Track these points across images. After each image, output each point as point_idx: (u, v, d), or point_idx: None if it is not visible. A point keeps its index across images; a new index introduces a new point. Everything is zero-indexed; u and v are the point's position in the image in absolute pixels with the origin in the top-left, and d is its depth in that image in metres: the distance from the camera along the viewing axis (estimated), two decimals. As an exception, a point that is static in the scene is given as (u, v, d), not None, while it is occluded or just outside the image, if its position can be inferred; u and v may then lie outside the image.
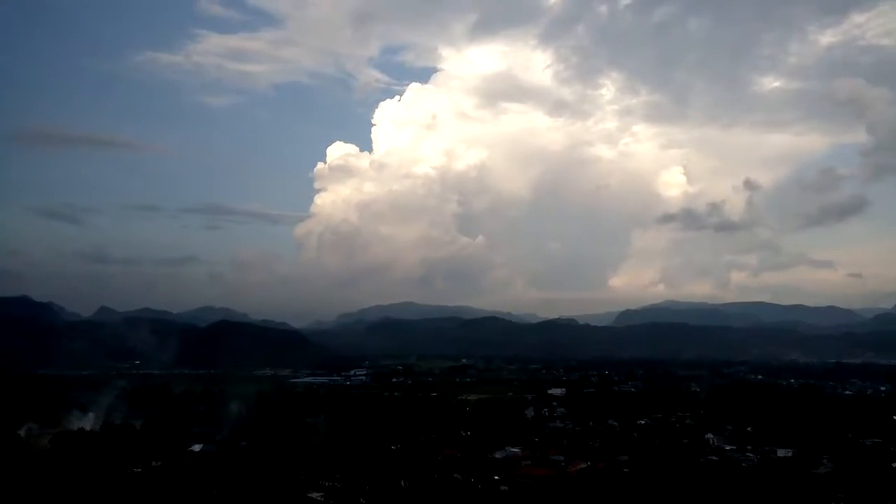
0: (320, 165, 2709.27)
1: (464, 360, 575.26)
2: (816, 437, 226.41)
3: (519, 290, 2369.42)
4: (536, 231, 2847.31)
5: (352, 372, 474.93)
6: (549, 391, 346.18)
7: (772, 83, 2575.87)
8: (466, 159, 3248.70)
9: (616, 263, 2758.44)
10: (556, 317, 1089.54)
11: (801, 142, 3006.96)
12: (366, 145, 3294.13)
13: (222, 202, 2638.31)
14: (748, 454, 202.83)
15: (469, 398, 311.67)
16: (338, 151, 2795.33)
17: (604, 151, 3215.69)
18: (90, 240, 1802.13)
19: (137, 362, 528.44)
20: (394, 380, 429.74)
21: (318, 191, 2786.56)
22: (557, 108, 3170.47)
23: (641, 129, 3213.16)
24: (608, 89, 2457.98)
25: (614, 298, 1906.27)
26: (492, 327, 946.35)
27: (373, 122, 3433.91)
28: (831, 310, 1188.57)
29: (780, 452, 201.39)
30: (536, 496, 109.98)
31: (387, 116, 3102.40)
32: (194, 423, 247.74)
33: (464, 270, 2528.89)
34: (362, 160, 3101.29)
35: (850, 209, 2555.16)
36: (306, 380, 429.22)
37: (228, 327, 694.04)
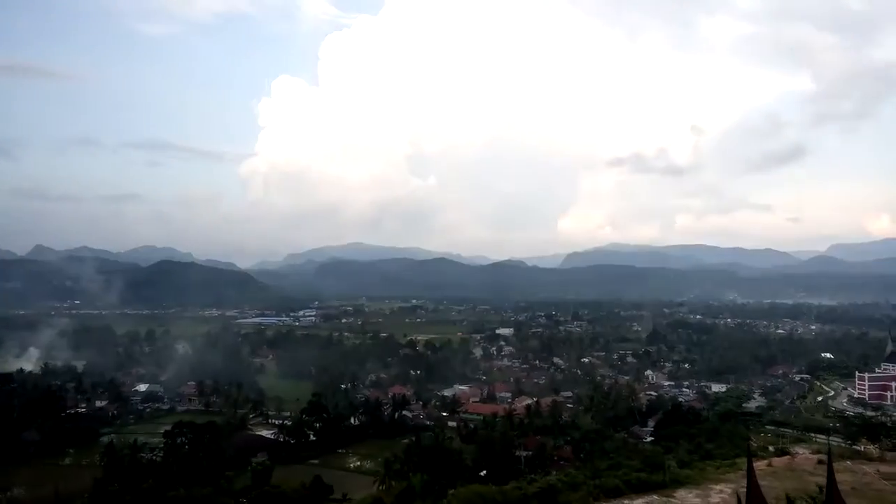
0: (265, 101, 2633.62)
1: (414, 301, 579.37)
2: (749, 373, 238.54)
3: (470, 231, 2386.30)
4: (488, 173, 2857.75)
5: (301, 312, 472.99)
6: (498, 331, 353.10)
7: (721, 25, 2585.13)
8: (419, 99, 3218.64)
9: (565, 206, 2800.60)
10: (506, 258, 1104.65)
11: (746, 86, 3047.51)
12: (313, 80, 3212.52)
13: (164, 137, 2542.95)
14: (685, 390, 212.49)
15: (419, 338, 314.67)
16: (283, 86, 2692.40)
17: (554, 92, 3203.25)
18: (24, 175, 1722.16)
19: (77, 302, 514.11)
20: (343, 320, 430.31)
21: (263, 127, 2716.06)
22: (511, 47, 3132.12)
23: (593, 69, 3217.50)
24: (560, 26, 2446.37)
25: (563, 240, 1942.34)
26: (442, 269, 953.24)
27: (320, 56, 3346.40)
28: (769, 252, 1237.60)
29: (715, 388, 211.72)
30: (481, 432, 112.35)
31: (335, 50, 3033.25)
32: (139, 364, 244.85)
33: (415, 212, 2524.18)
34: (309, 96, 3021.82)
35: (790, 155, 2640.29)
36: (254, 320, 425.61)
37: (172, 267, 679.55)
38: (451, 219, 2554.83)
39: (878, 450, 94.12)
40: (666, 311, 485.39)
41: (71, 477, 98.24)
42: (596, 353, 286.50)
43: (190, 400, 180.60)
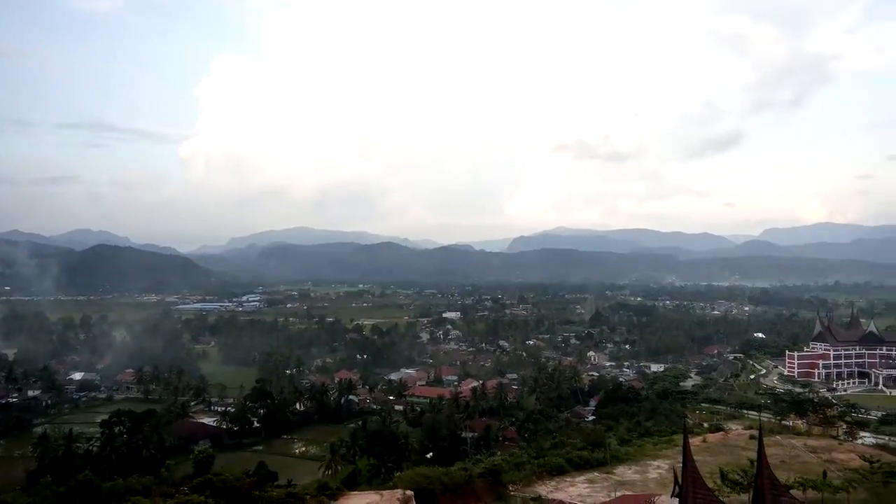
0: (206, 80, 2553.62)
1: (361, 286, 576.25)
2: (686, 352, 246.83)
3: (417, 215, 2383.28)
4: (436, 158, 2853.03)
5: (244, 298, 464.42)
6: (445, 315, 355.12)
7: (664, 14, 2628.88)
8: (367, 81, 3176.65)
9: (512, 191, 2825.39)
10: (453, 243, 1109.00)
11: (688, 75, 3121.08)
12: (256, 59, 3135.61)
13: (102, 118, 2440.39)
14: (626, 370, 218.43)
15: (366, 323, 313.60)
16: (225, 65, 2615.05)
17: (502, 78, 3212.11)
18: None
19: (7, 288, 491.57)
20: (289, 305, 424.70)
21: (205, 108, 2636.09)
22: (457, 32, 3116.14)
23: (541, 55, 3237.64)
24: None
25: (509, 225, 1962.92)
26: (389, 253, 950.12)
27: (263, 34, 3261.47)
28: (706, 236, 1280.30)
29: (654, 367, 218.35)
30: (428, 414, 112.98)
31: (280, 29, 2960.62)
32: (74, 352, 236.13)
33: (362, 195, 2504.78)
34: (253, 76, 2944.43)
35: (728, 142, 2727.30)
36: (195, 306, 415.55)
37: (108, 251, 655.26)
38: (398, 202, 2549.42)
39: (805, 424, 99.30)
40: (608, 293, 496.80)
41: (2, 469, 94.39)
42: (541, 336, 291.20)
43: (128, 388, 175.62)
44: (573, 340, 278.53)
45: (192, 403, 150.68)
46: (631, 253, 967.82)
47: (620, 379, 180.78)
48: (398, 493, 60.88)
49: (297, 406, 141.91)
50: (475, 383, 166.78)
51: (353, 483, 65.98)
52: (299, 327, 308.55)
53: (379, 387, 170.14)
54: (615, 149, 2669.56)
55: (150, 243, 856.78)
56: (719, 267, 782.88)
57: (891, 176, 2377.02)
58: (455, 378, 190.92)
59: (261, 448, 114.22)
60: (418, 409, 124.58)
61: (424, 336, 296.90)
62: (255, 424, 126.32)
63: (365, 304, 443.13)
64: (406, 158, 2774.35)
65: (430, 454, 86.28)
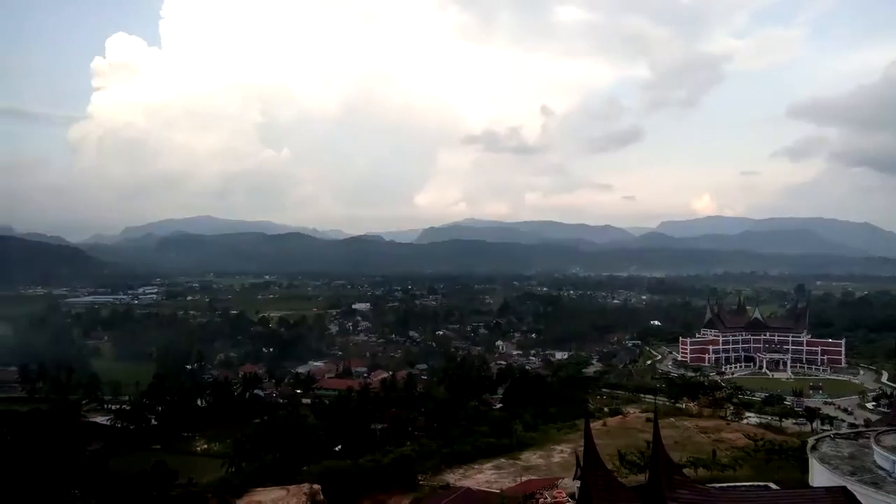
0: (99, 60, 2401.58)
1: (266, 277, 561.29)
2: (589, 340, 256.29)
3: (325, 205, 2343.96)
4: (345, 147, 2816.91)
5: (140, 290, 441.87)
6: (354, 306, 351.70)
7: (569, 13, 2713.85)
8: (271, 65, 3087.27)
9: (422, 182, 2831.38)
10: (363, 233, 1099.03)
11: (592, 72, 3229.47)
12: (154, 40, 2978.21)
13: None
14: (532, 358, 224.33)
15: (272, 315, 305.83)
16: (120, 45, 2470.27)
17: (412, 68, 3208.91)
18: None
19: None
20: (189, 298, 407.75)
21: (97, 89, 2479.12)
22: (367, 18, 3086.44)
23: (451, 47, 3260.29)
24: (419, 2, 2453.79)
25: (419, 216, 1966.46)
26: (296, 243, 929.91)
27: (161, 13, 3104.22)
28: (608, 228, 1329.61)
29: (559, 355, 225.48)
30: (336, 407, 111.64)
31: (178, 8, 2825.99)
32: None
33: (267, 184, 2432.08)
34: (150, 57, 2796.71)
35: (629, 138, 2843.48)
36: (86, 299, 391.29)
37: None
38: (305, 192, 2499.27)
39: (697, 406, 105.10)
40: (516, 284, 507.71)
41: None
42: (450, 326, 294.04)
43: (11, 387, 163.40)
44: (482, 330, 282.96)
45: (84, 402, 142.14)
46: (537, 244, 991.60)
47: (527, 367, 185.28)
48: (305, 487, 59.84)
49: (199, 402, 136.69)
50: (385, 374, 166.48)
51: (259, 479, 64.21)
52: (201, 321, 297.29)
53: (286, 380, 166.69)
54: (523, 142, 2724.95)
55: (36, 232, 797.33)
56: (620, 258, 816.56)
57: (773, 172, 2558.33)
58: (365, 370, 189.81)
59: (159, 447, 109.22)
60: (327, 402, 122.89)
61: (333, 328, 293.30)
62: (153, 422, 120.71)
63: (271, 296, 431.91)
64: (314, 147, 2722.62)
65: (339, 447, 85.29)
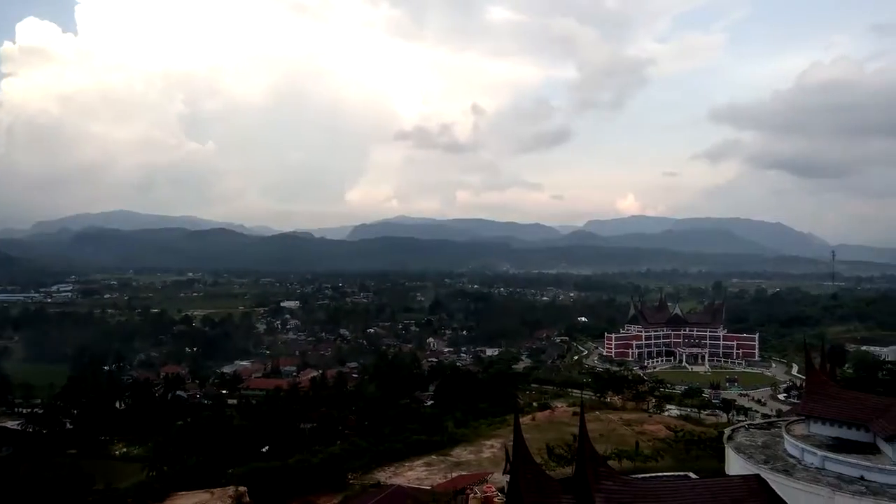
0: (8, 45, 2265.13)
1: (190, 274, 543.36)
2: (518, 336, 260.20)
3: (252, 200, 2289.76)
4: (273, 141, 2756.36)
5: (54, 287, 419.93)
6: (283, 304, 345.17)
7: (499, 13, 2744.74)
8: (196, 54, 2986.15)
9: (353, 178, 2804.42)
10: (292, 230, 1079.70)
11: (521, 72, 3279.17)
12: (68, 26, 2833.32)
13: None
14: (463, 354, 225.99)
15: (196, 313, 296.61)
16: (31, 30, 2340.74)
17: (343, 63, 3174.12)
18: None
19: None
20: (107, 296, 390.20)
21: (7, 75, 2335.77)
22: (297, 9, 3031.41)
23: (382, 43, 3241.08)
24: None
25: (350, 212, 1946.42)
26: (222, 239, 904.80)
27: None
28: (537, 226, 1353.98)
29: (489, 352, 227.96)
30: (264, 407, 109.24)
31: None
32: None
33: (190, 177, 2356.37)
34: (64, 43, 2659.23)
35: (557, 138, 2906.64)
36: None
37: None
38: (231, 186, 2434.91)
39: (621, 400, 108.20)
40: (447, 281, 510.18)
41: None
42: (382, 324, 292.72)
43: None
44: (413, 327, 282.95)
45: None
46: (469, 241, 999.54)
47: (458, 364, 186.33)
48: (230, 489, 58.28)
49: (118, 405, 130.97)
50: (315, 373, 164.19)
51: (182, 483, 62.08)
52: (119, 319, 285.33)
53: (211, 381, 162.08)
54: (454, 140, 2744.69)
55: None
56: (548, 256, 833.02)
57: (693, 173, 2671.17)
58: (294, 369, 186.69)
59: (75, 452, 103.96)
60: (254, 402, 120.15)
61: (261, 326, 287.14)
62: (69, 426, 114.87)
63: (195, 294, 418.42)
64: (241, 140, 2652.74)
65: (267, 448, 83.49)
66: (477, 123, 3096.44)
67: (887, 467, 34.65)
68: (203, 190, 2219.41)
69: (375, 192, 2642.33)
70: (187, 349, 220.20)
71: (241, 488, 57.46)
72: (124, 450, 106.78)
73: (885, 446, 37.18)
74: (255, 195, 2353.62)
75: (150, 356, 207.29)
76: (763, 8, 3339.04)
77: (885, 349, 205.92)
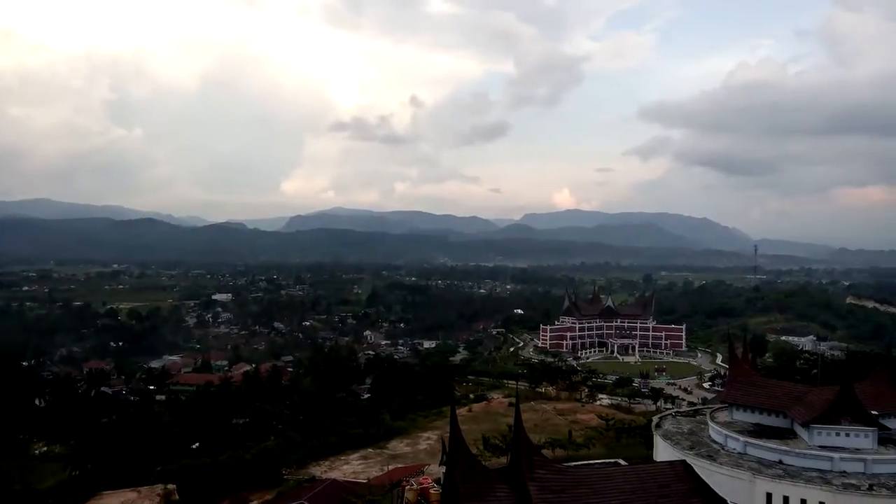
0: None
1: (115, 266, 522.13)
2: (455, 329, 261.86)
3: (182, 190, 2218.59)
4: (205, 128, 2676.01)
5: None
6: (214, 297, 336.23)
7: (438, 5, 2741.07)
8: (121, 35, 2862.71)
9: (288, 168, 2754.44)
10: (225, 220, 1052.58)
11: (460, 65, 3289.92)
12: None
13: None
14: (400, 347, 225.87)
15: (122, 306, 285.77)
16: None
17: (278, 50, 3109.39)
18: None
19: None
20: (25, 288, 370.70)
21: None
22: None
23: (318, 31, 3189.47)
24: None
25: (286, 203, 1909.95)
26: (149, 230, 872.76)
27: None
28: (475, 219, 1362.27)
29: (426, 344, 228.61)
30: (194, 403, 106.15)
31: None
32: None
33: (117, 165, 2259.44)
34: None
35: (495, 132, 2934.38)
36: None
37: None
38: (160, 175, 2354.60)
39: (555, 390, 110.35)
40: (384, 273, 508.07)
41: None
42: (318, 317, 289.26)
43: None
44: (350, 320, 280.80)
45: None
46: (406, 234, 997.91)
47: (395, 356, 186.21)
48: (159, 488, 56.69)
49: (37, 402, 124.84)
50: (248, 367, 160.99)
51: (107, 482, 59.81)
52: (39, 313, 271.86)
53: (138, 376, 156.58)
54: (392, 132, 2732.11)
55: None
56: (485, 248, 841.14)
57: (625, 169, 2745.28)
58: (226, 363, 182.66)
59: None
60: (183, 398, 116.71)
61: (191, 320, 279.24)
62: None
63: (121, 287, 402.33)
64: (170, 128, 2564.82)
65: (197, 444, 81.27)
66: (415, 116, 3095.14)
67: (803, 451, 36.58)
68: (129, 178, 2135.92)
69: (311, 183, 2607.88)
70: (112, 344, 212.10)
71: (170, 486, 55.91)
72: (44, 449, 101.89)
73: (801, 431, 39.22)
74: (185, 184, 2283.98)
75: (72, 351, 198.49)
76: (693, 10, 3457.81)
77: (802, 339, 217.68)
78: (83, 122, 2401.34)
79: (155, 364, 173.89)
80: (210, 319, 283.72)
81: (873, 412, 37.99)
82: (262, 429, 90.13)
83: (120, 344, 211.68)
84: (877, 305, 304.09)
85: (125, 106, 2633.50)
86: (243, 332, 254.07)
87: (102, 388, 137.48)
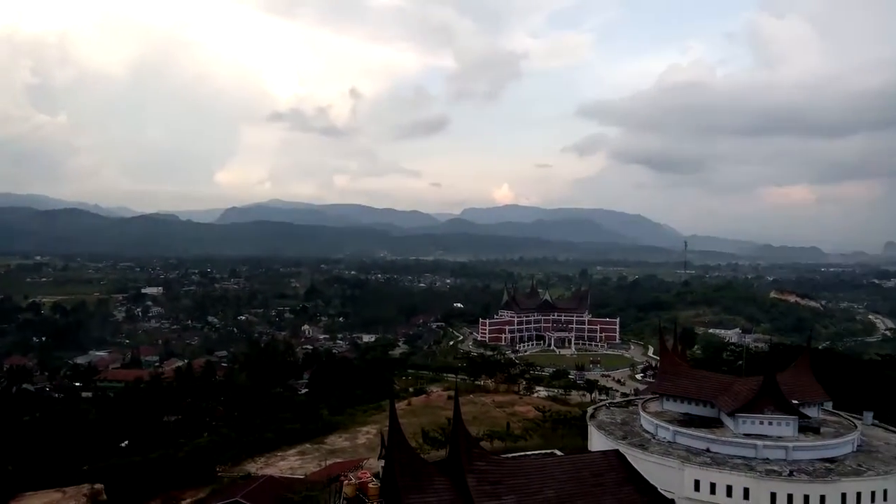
0: None
1: (38, 258, 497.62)
2: (395, 323, 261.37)
3: (110, 179, 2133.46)
4: (135, 115, 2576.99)
5: None
6: (144, 290, 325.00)
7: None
8: (44, 15, 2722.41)
9: (223, 158, 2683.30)
10: (155, 211, 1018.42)
11: (400, 59, 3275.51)
12: None
13: None
14: (339, 341, 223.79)
15: (44, 300, 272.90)
16: None
17: (213, 36, 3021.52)
18: None
19: None
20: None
21: None
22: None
23: (256, 19, 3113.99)
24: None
25: (220, 194, 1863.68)
26: (75, 220, 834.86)
27: None
28: (415, 214, 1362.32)
29: (366, 338, 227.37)
30: (123, 399, 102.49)
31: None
32: None
33: (39, 152, 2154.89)
34: None
35: (435, 126, 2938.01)
36: None
37: None
38: (86, 163, 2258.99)
39: (494, 383, 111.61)
40: (324, 267, 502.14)
41: None
42: (254, 311, 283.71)
43: None
44: (288, 314, 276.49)
45: None
46: (346, 228, 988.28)
47: (334, 351, 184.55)
48: (85, 487, 54.69)
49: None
50: (180, 363, 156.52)
51: (30, 482, 57.10)
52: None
53: (62, 373, 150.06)
54: (331, 124, 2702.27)
55: None
56: (426, 243, 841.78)
57: (563, 166, 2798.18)
58: (157, 358, 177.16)
59: None
60: (111, 395, 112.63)
61: (119, 314, 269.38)
62: None
63: (44, 279, 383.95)
64: (98, 115, 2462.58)
65: (126, 442, 78.54)
66: (355, 108, 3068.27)
67: (729, 440, 38.15)
68: (53, 166, 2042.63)
69: (247, 175, 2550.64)
70: (35, 339, 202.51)
71: (97, 486, 54.01)
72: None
73: (727, 420, 40.88)
74: (113, 173, 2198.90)
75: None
76: (630, 10, 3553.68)
77: (729, 331, 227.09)
78: (2, 106, 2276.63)
79: (81, 360, 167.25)
80: (140, 314, 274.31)
81: (794, 401, 39.95)
82: (196, 426, 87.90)
83: (43, 339, 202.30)
84: (798, 300, 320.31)
85: (49, 91, 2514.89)
86: (175, 327, 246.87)
87: (24, 385, 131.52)
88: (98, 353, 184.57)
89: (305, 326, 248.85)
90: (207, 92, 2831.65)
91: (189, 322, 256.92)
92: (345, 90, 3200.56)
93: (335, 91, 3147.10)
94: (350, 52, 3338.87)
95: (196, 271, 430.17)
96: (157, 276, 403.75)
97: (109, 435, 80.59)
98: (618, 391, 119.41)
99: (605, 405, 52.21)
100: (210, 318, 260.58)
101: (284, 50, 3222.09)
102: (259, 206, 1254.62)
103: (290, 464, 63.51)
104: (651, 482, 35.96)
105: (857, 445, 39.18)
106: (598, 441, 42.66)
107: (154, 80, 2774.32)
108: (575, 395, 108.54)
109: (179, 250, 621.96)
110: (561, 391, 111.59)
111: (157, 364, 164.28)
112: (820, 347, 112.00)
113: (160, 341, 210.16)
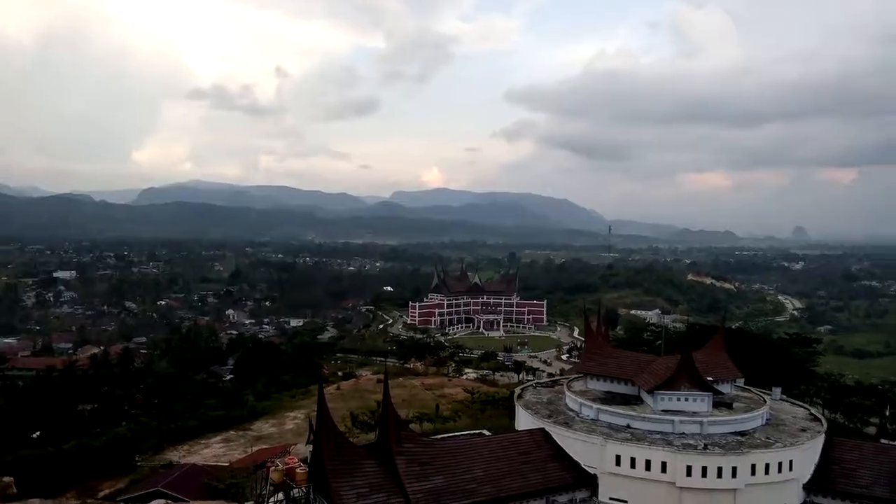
0: None
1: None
2: (324, 307, 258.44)
3: (17, 157, 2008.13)
4: (43, 89, 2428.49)
5: None
6: (56, 274, 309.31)
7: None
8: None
9: (140, 136, 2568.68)
10: (67, 191, 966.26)
11: (328, 37, 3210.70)
12: None
13: None
14: (266, 326, 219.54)
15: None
16: None
17: (130, 6, 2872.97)
18: None
19: None
20: None
21: None
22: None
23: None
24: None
25: (138, 174, 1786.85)
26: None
27: None
28: (344, 196, 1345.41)
29: (294, 322, 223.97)
30: (33, 388, 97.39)
31: None
32: None
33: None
34: None
35: (365, 107, 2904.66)
36: None
37: None
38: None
39: (423, 366, 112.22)
40: (249, 250, 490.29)
41: None
42: (174, 295, 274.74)
43: None
44: (211, 299, 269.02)
45: None
46: (272, 209, 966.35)
47: (260, 336, 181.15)
48: (-8, 483, 51.73)
49: None
50: (96, 350, 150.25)
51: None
52: None
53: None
54: (256, 102, 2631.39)
55: None
56: (355, 226, 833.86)
57: (492, 150, 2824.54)
58: (70, 345, 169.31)
59: None
60: (21, 384, 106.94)
61: (29, 299, 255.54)
62: None
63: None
64: (3, 88, 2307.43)
65: (38, 433, 74.85)
66: (281, 87, 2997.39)
67: (648, 416, 39.67)
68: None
69: (167, 153, 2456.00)
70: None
71: (7, 479, 51.33)
72: None
73: (647, 398, 42.48)
74: (22, 151, 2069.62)
75: None
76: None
77: (649, 312, 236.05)
78: None
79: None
80: (51, 299, 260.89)
81: (709, 378, 41.86)
82: (113, 415, 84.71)
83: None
84: (713, 282, 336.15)
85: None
86: (90, 313, 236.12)
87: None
88: (6, 341, 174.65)
89: (230, 311, 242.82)
90: (124, 66, 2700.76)
91: (105, 308, 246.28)
92: (270, 68, 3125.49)
93: (260, 68, 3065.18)
94: (275, 29, 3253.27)
95: (112, 254, 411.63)
96: (70, 260, 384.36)
97: (19, 425, 76.61)
98: (544, 372, 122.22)
99: (531, 385, 53.29)
100: (128, 304, 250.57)
101: (206, 24, 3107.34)
102: (179, 187, 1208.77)
103: (214, 451, 62.16)
104: (575, 458, 37.05)
105: (766, 419, 41.45)
106: (524, 420, 43.52)
107: (67, 53, 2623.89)
108: (503, 377, 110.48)
109: (94, 232, 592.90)
110: (489, 373, 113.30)
111: (70, 351, 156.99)
112: (733, 327, 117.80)
113: (74, 328, 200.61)
